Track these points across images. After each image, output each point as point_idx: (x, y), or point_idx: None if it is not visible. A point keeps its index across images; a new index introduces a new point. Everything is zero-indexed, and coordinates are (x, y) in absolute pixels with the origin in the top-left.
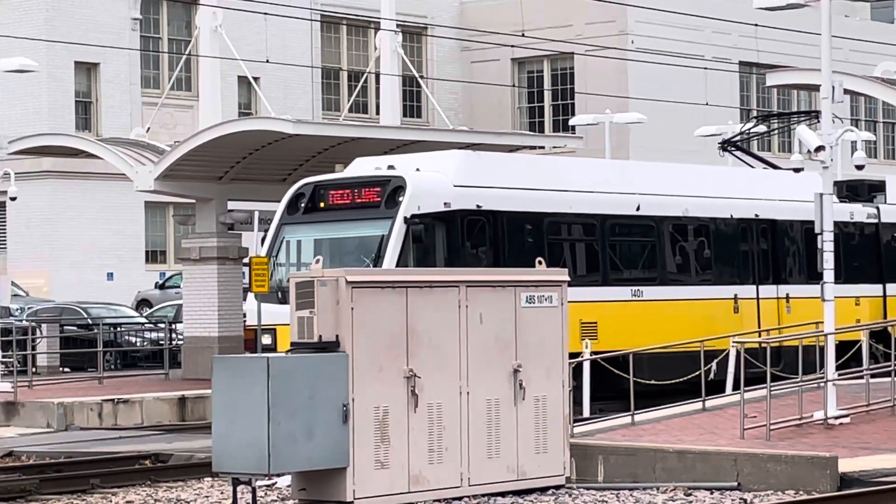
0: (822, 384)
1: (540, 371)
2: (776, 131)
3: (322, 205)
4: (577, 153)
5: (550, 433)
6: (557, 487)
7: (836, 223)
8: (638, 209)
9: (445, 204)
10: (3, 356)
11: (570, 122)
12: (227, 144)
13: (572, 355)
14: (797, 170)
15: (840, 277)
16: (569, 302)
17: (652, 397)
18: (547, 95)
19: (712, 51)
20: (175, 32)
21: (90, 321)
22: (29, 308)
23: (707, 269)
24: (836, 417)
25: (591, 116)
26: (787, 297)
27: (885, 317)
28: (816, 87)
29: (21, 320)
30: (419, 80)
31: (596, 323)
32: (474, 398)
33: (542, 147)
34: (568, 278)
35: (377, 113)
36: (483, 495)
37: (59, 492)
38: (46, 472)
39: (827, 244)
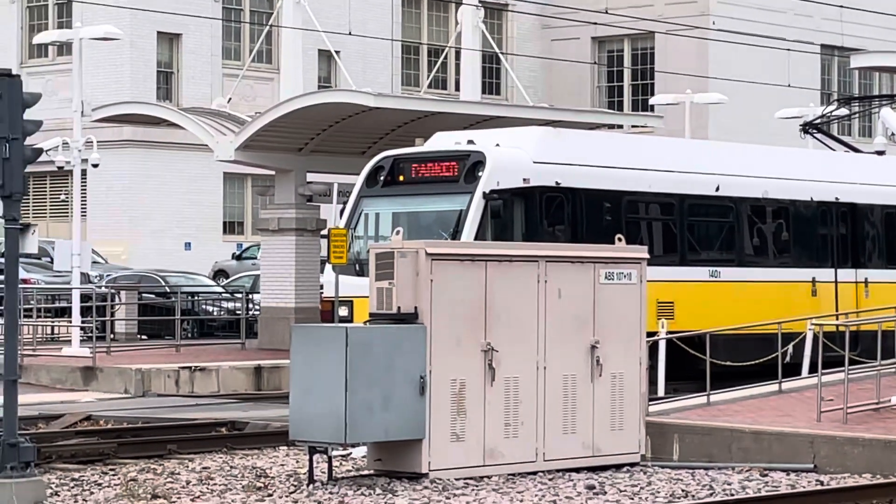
0: None
1: (617, 348)
2: (857, 115)
3: (401, 178)
4: (656, 132)
5: (626, 410)
6: (632, 465)
7: None
8: (717, 190)
9: (524, 180)
10: (83, 322)
11: (650, 102)
12: (308, 116)
13: (649, 334)
14: (880, 153)
15: None
16: (647, 281)
17: (727, 379)
18: (626, 74)
19: (794, 33)
20: (257, 4)
21: (168, 289)
22: (108, 275)
23: (785, 252)
24: None
25: (671, 96)
26: (866, 282)
27: None
28: None
29: (100, 287)
30: (500, 56)
31: (672, 303)
32: (551, 373)
33: (621, 126)
34: (647, 255)
35: (456, 89)
36: (557, 471)
37: (137, 456)
38: (124, 437)
39: None
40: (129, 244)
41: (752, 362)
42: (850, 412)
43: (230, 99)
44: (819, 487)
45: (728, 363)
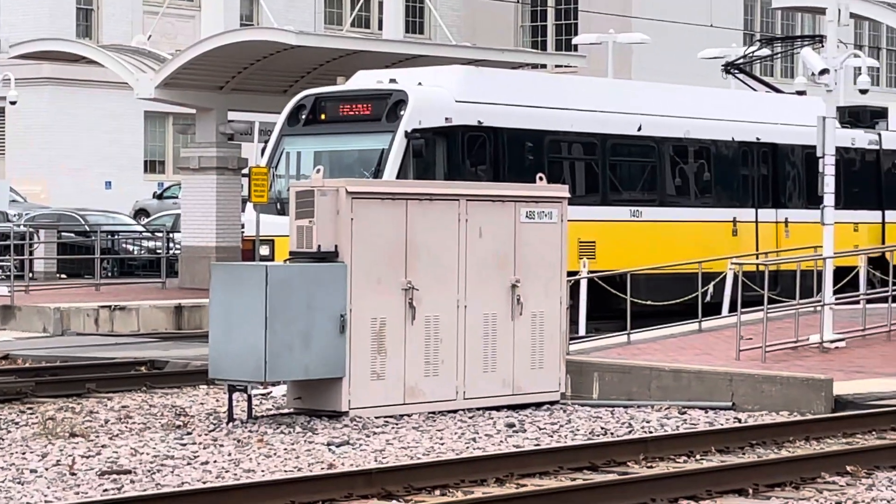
0: (818, 308)
1: (538, 287)
2: (779, 55)
3: (323, 117)
4: (580, 73)
5: (547, 349)
6: (552, 403)
7: (837, 148)
8: (639, 129)
9: (446, 119)
10: (1, 261)
11: (573, 42)
12: (229, 54)
13: (570, 274)
14: (801, 93)
15: (839, 203)
16: (568, 220)
17: (648, 318)
18: (550, 14)
19: None
20: None
21: (88, 228)
22: (27, 214)
23: (707, 192)
24: (832, 341)
25: (594, 36)
26: (786, 222)
27: (883, 243)
28: (822, 11)
29: (19, 226)
30: None
31: (594, 242)
32: (472, 312)
33: (545, 65)
34: (568, 195)
35: (379, 28)
36: (478, 409)
37: (55, 395)
38: (42, 376)
39: (828, 168)
40: (48, 183)
41: (673, 302)
42: (768, 351)
43: (150, 36)
44: (737, 425)
45: (649, 302)
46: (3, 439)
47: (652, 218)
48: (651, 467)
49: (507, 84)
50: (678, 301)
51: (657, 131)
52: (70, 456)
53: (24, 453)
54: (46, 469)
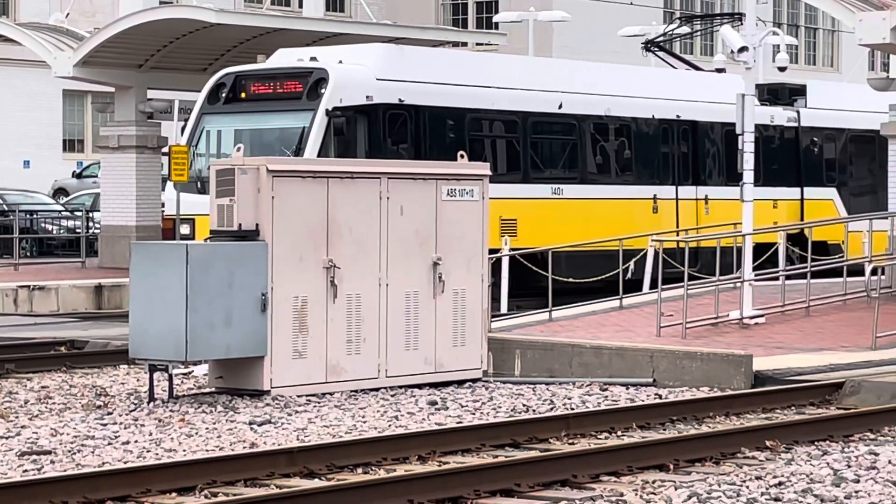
0: (738, 284)
1: (459, 265)
2: (699, 33)
3: (243, 95)
4: (500, 50)
5: (468, 327)
6: (474, 380)
7: (756, 126)
8: (560, 107)
9: (367, 97)
10: None
11: (494, 19)
12: (148, 32)
13: (491, 252)
14: (720, 70)
15: (759, 180)
16: (489, 198)
17: (569, 295)
18: None
19: None
20: None
21: (6, 208)
22: None
23: (627, 169)
24: (752, 317)
25: (515, 14)
26: (706, 199)
27: (801, 220)
28: None
29: None
30: None
31: (515, 220)
32: (393, 290)
33: (465, 43)
34: (489, 172)
35: (300, 6)
36: (400, 387)
37: None
38: None
39: (748, 145)
40: None
41: (594, 279)
42: (689, 327)
43: (68, 14)
44: (658, 401)
45: (570, 280)
46: None
47: (573, 195)
48: (573, 444)
49: (428, 62)
50: (599, 278)
51: (578, 109)
52: None
53: None
54: None
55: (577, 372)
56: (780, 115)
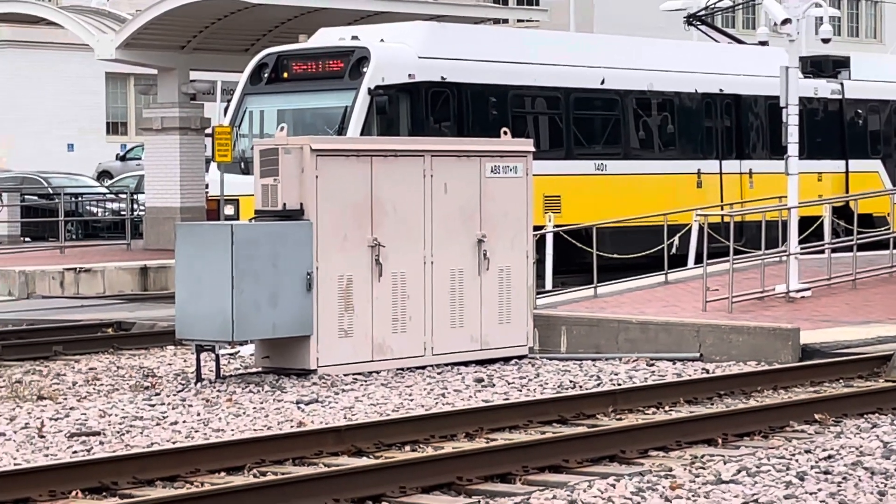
0: (784, 258)
1: (504, 242)
2: (741, 6)
3: (285, 75)
4: (542, 27)
5: (514, 304)
6: (520, 357)
7: (800, 98)
8: (602, 83)
9: (409, 75)
10: None
11: None
12: (190, 13)
13: (536, 228)
14: (763, 43)
15: (803, 153)
16: (533, 175)
17: (614, 271)
18: None
19: None
20: None
21: (51, 191)
22: None
23: (670, 144)
24: (798, 291)
25: None
26: (750, 173)
27: (846, 192)
28: None
29: None
30: None
31: (559, 196)
32: (438, 268)
33: (507, 20)
34: (533, 149)
35: None
36: (446, 365)
37: (22, 358)
38: (8, 339)
39: (792, 118)
40: (9, 147)
41: (639, 254)
42: (735, 301)
43: None
44: (705, 375)
45: (615, 255)
46: None
47: (616, 171)
48: (620, 419)
49: (469, 39)
50: (644, 254)
51: (620, 84)
52: (38, 419)
53: None
54: (15, 432)
55: (623, 347)
56: (823, 88)
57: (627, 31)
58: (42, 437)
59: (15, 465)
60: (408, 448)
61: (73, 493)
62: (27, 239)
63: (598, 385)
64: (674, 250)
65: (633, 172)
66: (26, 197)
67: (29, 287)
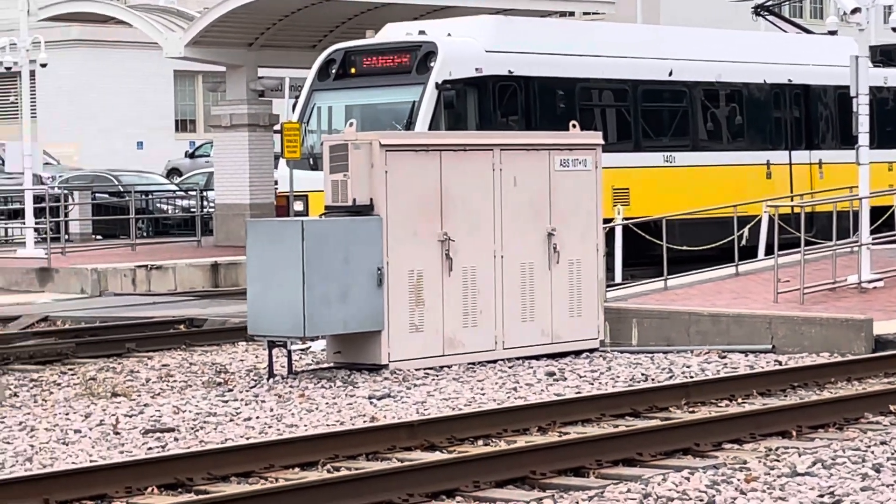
0: (855, 248)
1: (574, 235)
2: None
3: (353, 71)
4: (608, 19)
5: (584, 297)
6: (591, 351)
7: (870, 88)
8: (670, 74)
9: (477, 69)
10: (36, 223)
11: None
12: (258, 10)
13: (605, 221)
14: (832, 33)
15: (874, 142)
16: (602, 167)
17: (683, 263)
18: None
19: None
20: None
21: (122, 189)
22: (60, 176)
23: (739, 135)
24: (870, 281)
25: None
26: (820, 163)
27: None
28: None
29: (53, 188)
30: None
31: (628, 189)
32: (508, 262)
33: (573, 13)
34: (602, 142)
35: None
36: (517, 358)
37: (95, 355)
38: (82, 337)
39: (862, 107)
40: (80, 145)
41: (709, 246)
42: (806, 292)
43: None
44: (777, 367)
45: (684, 248)
46: (45, 401)
47: (685, 163)
48: (693, 412)
49: (536, 32)
50: (713, 245)
51: (688, 76)
52: (113, 415)
53: (67, 414)
54: (90, 429)
55: (694, 340)
56: (893, 77)
57: (694, 22)
58: (117, 433)
59: (91, 461)
60: (480, 442)
61: (149, 489)
62: (98, 237)
63: (671, 378)
64: (743, 242)
65: (702, 164)
66: (97, 195)
67: (101, 285)
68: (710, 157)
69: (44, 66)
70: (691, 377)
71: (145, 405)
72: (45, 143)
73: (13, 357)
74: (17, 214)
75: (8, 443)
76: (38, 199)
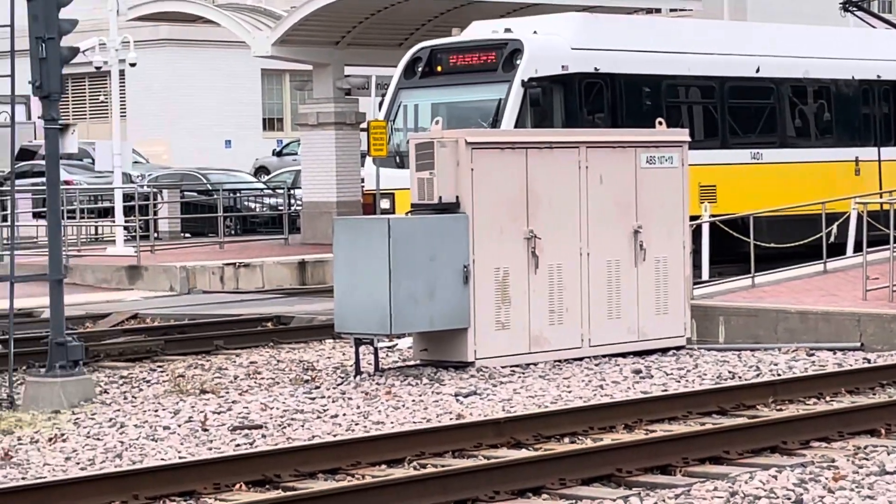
0: None
1: (660, 232)
2: None
3: (439, 69)
4: (695, 16)
5: (671, 294)
6: (678, 348)
7: None
8: (758, 71)
9: (563, 67)
10: (126, 221)
11: None
12: (344, 8)
13: (691, 218)
14: None
15: None
16: (688, 164)
17: (770, 260)
18: None
19: None
20: None
21: (210, 187)
22: (150, 175)
23: (827, 132)
24: None
25: None
26: None
27: None
28: None
29: (142, 187)
30: None
31: (715, 186)
32: (595, 259)
33: (659, 10)
34: (688, 139)
35: None
36: (603, 356)
37: (184, 352)
38: (171, 334)
39: None
40: (169, 144)
41: (796, 243)
42: None
43: None
44: (866, 365)
45: (772, 245)
46: (135, 398)
47: (773, 160)
48: (781, 410)
49: (622, 30)
50: (801, 243)
51: (776, 72)
52: (201, 412)
53: (156, 411)
54: (179, 426)
55: (782, 337)
56: None
57: (782, 18)
58: (205, 430)
59: (180, 458)
60: (567, 440)
61: (237, 485)
62: (187, 235)
63: (758, 375)
64: (832, 239)
65: (790, 161)
66: (186, 193)
67: (190, 282)
68: (798, 154)
69: (133, 65)
70: (779, 375)
71: (233, 402)
72: (134, 141)
73: (103, 354)
74: (107, 213)
75: (98, 439)
76: (127, 197)
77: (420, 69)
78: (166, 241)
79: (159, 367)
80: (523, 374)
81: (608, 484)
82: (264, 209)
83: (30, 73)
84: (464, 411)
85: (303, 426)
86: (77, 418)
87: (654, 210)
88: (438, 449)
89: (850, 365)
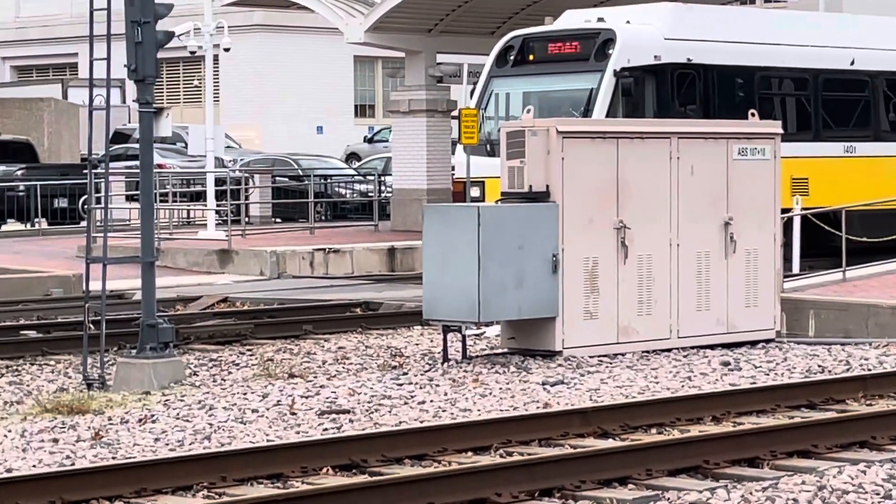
0: None
1: (751, 224)
2: None
3: (531, 57)
4: (789, 7)
5: (761, 287)
6: (767, 341)
7: None
8: (852, 63)
9: (655, 57)
10: (218, 206)
11: None
12: None
13: (783, 211)
14: None
15: None
16: (780, 157)
17: (862, 254)
18: None
19: None
20: None
21: (301, 173)
22: (242, 160)
23: None
24: None
25: None
26: None
27: None
28: None
29: (234, 171)
30: None
31: (807, 179)
32: (684, 250)
33: (753, 1)
34: (781, 131)
35: None
36: (691, 348)
37: (273, 336)
38: (260, 318)
39: None
40: (261, 129)
41: (889, 237)
42: None
43: None
44: None
45: (864, 239)
46: (224, 380)
47: (866, 153)
48: (871, 405)
49: (715, 20)
50: (894, 237)
51: (871, 65)
52: (290, 396)
53: (245, 394)
54: (267, 409)
55: (873, 332)
56: None
57: (878, 10)
58: (293, 414)
59: (268, 441)
60: (654, 431)
61: (324, 469)
62: (278, 220)
63: (848, 370)
64: None
65: (884, 154)
66: (277, 179)
67: (280, 267)
68: (892, 148)
69: (227, 50)
70: (869, 370)
71: (321, 387)
72: (227, 126)
73: (193, 337)
74: (199, 197)
75: (187, 420)
76: (219, 181)
77: (512, 57)
78: (257, 226)
79: (248, 350)
80: (611, 364)
81: (695, 475)
82: (354, 195)
83: (125, 57)
84: (551, 400)
85: (390, 412)
86: (167, 400)
87: (745, 202)
88: (525, 437)
89: None
